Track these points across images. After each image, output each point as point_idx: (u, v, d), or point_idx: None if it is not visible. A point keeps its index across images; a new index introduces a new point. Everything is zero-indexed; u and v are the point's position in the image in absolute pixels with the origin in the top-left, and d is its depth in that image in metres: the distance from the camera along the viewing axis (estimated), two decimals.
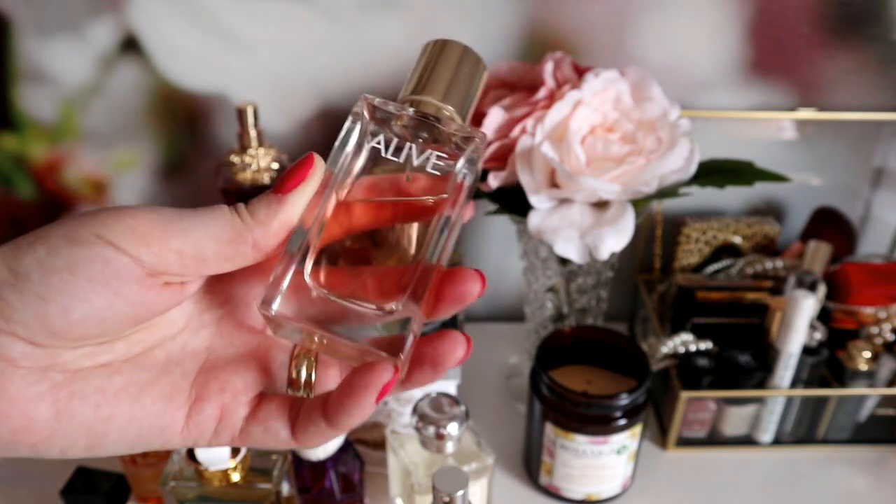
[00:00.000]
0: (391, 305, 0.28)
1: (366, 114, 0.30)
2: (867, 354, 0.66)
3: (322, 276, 0.29)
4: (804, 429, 0.69)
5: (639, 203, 0.59)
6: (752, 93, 0.71)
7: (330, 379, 0.30)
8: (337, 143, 0.30)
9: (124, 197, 0.74)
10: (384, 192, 0.30)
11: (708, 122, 0.70)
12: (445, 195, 0.30)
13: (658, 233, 0.75)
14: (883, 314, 0.68)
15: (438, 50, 0.32)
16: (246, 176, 0.64)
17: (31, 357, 0.26)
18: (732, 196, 0.76)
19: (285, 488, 0.56)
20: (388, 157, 0.30)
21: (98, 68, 0.68)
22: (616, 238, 0.56)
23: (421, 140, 0.30)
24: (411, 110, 0.31)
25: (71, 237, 0.25)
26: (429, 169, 0.30)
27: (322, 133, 0.72)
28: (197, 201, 0.75)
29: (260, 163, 0.63)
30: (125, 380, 0.28)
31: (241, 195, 0.64)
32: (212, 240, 0.27)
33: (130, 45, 0.67)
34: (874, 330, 0.68)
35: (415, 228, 0.30)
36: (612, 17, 0.68)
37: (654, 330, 0.72)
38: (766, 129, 0.73)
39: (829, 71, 0.71)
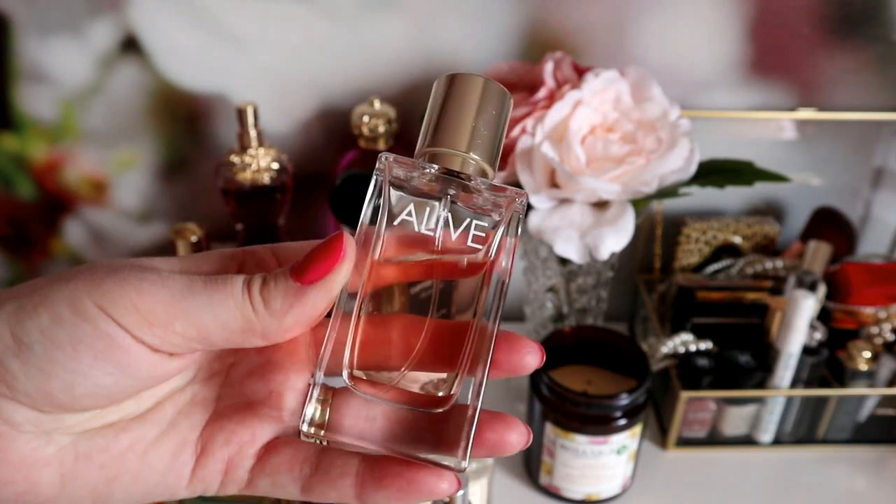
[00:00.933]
0: (442, 392, 0.27)
1: (388, 173, 0.28)
2: (867, 354, 0.66)
3: (366, 385, 0.27)
4: (804, 429, 0.69)
5: (639, 203, 0.59)
6: (752, 93, 0.71)
7: (344, 421, 0.29)
8: (364, 208, 0.28)
9: (124, 197, 0.74)
10: (417, 247, 0.28)
11: (708, 122, 0.70)
12: (481, 257, 0.27)
13: (658, 233, 0.75)
14: (883, 314, 0.68)
15: (455, 86, 0.28)
16: (246, 176, 0.64)
17: (36, 422, 0.25)
18: (732, 196, 0.76)
19: None
20: (423, 231, 0.27)
21: (98, 68, 0.68)
22: (616, 238, 0.56)
23: (449, 196, 0.28)
24: (434, 167, 0.27)
25: (74, 307, 0.24)
26: (469, 243, 0.27)
27: (322, 133, 0.72)
28: (197, 201, 0.75)
29: (260, 163, 0.63)
30: (132, 437, 0.27)
31: (241, 195, 0.64)
32: (219, 327, 0.25)
33: (130, 45, 0.67)
34: (874, 330, 0.68)
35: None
36: (612, 17, 0.68)
37: (654, 330, 0.72)
38: (766, 129, 0.73)
39: (829, 71, 0.71)
